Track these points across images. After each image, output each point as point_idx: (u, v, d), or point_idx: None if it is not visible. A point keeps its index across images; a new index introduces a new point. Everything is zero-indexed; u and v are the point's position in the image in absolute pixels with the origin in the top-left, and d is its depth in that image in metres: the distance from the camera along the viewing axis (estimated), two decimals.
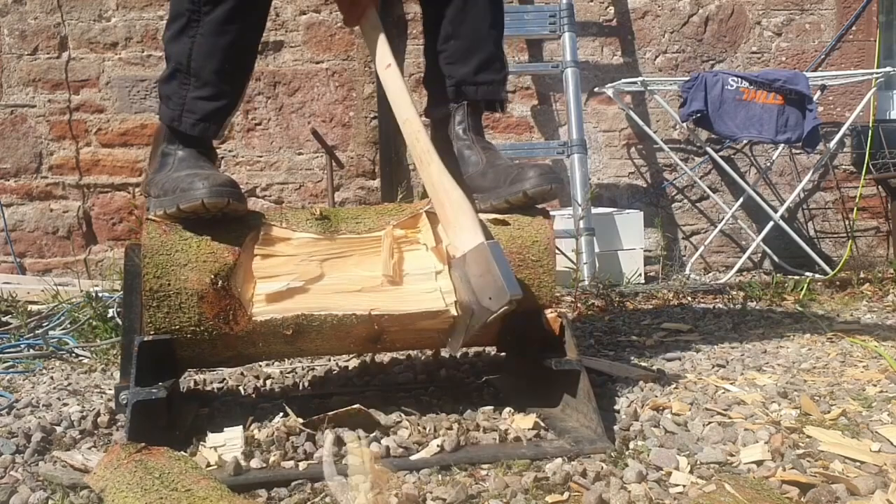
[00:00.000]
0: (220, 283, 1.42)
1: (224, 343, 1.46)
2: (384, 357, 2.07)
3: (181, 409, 1.58)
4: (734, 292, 3.08)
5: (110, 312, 2.49)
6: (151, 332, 1.42)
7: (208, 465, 1.27)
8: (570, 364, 1.44)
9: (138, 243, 1.48)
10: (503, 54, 1.69)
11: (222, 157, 3.87)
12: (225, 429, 1.38)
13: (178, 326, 1.42)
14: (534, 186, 1.51)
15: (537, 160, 3.98)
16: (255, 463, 1.27)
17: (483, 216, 1.52)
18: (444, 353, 2.09)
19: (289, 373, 2.00)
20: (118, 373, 2.06)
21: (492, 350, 2.02)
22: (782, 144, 3.79)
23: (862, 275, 3.27)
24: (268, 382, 1.92)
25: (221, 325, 1.43)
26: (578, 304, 2.85)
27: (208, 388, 1.89)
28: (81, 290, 2.84)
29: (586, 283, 3.24)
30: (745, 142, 3.98)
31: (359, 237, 1.50)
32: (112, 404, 1.62)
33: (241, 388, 1.88)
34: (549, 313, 1.51)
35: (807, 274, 3.69)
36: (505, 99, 1.68)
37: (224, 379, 1.95)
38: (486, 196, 1.57)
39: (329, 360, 2.12)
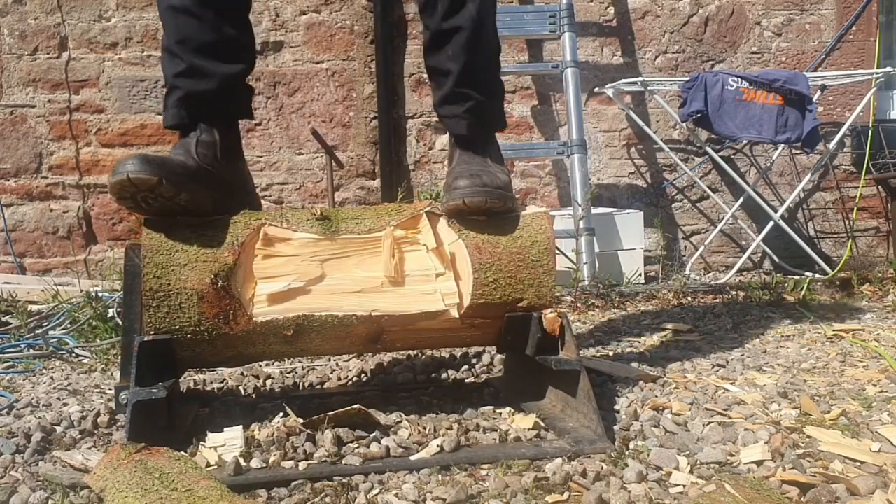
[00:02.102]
0: (220, 283, 1.42)
1: (224, 343, 1.46)
2: (384, 357, 2.07)
3: (181, 409, 1.58)
4: (734, 292, 3.08)
5: (110, 312, 2.49)
6: (151, 332, 1.42)
7: (208, 465, 1.27)
8: (570, 364, 1.44)
9: (138, 243, 1.47)
10: (470, 90, 1.69)
11: None
12: (225, 429, 1.38)
13: (178, 326, 1.42)
14: (464, 196, 1.52)
15: (537, 160, 3.99)
16: (255, 463, 1.27)
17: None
18: (444, 352, 2.09)
19: (289, 373, 2.00)
20: (118, 373, 2.06)
21: (492, 350, 2.02)
22: (782, 144, 3.79)
23: (862, 275, 3.27)
24: (268, 382, 1.92)
25: (221, 325, 1.43)
26: (578, 304, 2.85)
27: (208, 388, 1.89)
28: (81, 290, 2.84)
29: (586, 283, 3.24)
30: (744, 142, 3.98)
31: (359, 238, 1.51)
32: (112, 404, 1.62)
33: (241, 388, 1.88)
34: (549, 313, 1.51)
35: (807, 274, 3.69)
36: (464, 132, 1.71)
37: (224, 379, 1.95)
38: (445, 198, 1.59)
39: (329, 360, 2.12)
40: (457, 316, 1.49)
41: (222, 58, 1.62)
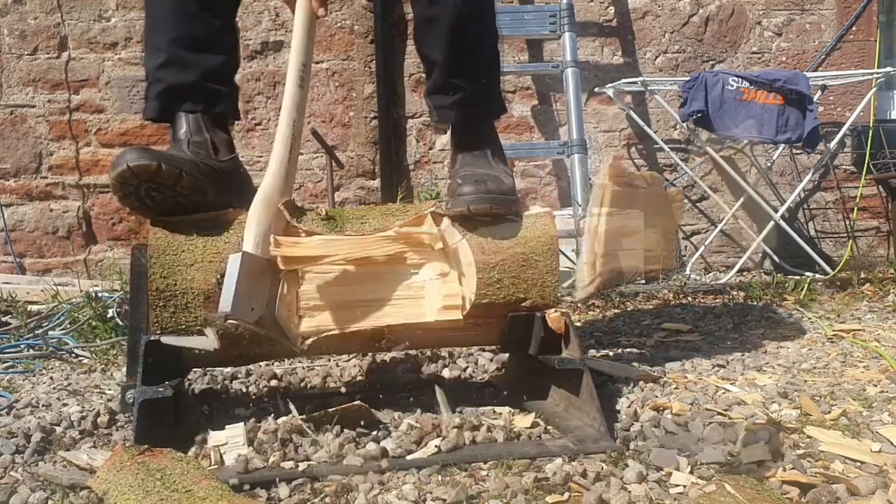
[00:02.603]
0: None
1: (229, 343, 1.46)
2: (386, 356, 2.06)
3: (186, 408, 1.58)
4: (734, 292, 3.08)
5: (110, 312, 2.49)
6: (158, 332, 1.42)
7: (209, 464, 1.27)
8: (574, 363, 1.45)
9: (145, 243, 1.48)
10: (458, 80, 1.67)
11: None
12: (226, 427, 1.38)
13: (184, 326, 1.42)
14: (471, 203, 1.51)
15: (537, 160, 3.99)
16: (255, 463, 1.27)
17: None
18: (444, 352, 2.09)
19: (289, 373, 2.00)
20: (118, 373, 2.06)
21: (494, 349, 2.02)
22: (782, 144, 3.79)
23: (862, 275, 3.27)
24: (268, 382, 1.92)
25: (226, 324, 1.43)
26: (579, 304, 2.85)
27: (209, 387, 1.89)
28: (81, 290, 2.84)
29: None
30: (745, 142, 3.98)
31: (364, 238, 1.50)
32: (112, 404, 1.62)
33: (241, 387, 1.88)
34: (553, 313, 1.51)
35: (807, 274, 3.68)
36: (452, 122, 1.70)
37: (225, 378, 1.95)
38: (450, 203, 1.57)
39: (329, 359, 2.12)
40: (460, 316, 1.49)
41: (205, 49, 1.61)
